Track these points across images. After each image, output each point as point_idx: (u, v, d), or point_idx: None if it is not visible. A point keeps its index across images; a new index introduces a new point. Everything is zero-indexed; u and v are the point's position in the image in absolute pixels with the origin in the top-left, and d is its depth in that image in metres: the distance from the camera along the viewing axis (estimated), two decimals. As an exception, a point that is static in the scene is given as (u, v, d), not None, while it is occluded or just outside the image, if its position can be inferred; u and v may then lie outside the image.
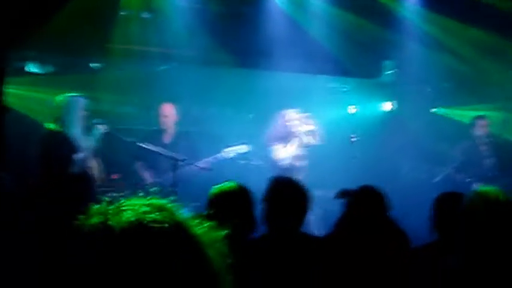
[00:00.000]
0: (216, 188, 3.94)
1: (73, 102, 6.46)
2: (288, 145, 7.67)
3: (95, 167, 6.60)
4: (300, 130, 7.66)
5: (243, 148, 7.54)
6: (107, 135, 6.61)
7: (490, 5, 8.16)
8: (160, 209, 1.20)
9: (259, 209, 3.94)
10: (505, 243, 3.12)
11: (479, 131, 8.28)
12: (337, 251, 4.15)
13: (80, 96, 6.57)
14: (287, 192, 3.95)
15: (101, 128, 6.53)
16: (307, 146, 7.70)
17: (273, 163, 7.67)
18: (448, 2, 8.15)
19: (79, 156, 6.33)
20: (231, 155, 7.49)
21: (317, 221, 7.39)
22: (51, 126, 6.40)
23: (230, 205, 3.79)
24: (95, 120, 6.56)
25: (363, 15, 8.14)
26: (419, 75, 9.18)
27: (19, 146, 7.08)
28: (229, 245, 1.25)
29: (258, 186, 4.09)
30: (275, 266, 3.72)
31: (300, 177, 7.62)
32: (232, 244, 1.29)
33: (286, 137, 7.70)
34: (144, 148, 7.14)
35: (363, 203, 4.42)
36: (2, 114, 5.34)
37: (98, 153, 6.61)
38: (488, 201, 3.20)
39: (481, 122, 8.32)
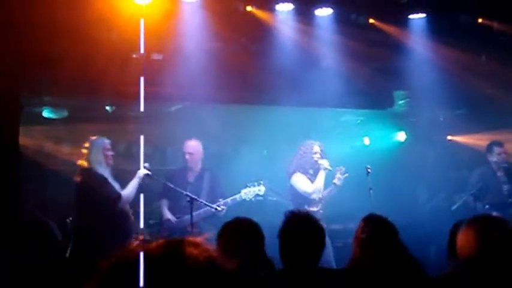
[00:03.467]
0: (226, 223, 3.94)
1: (98, 143, 6.97)
2: (317, 177, 7.76)
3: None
4: (322, 163, 7.71)
5: (261, 189, 7.54)
6: (147, 176, 7.03)
7: (501, 32, 8.19)
8: (195, 245, 1.30)
9: (276, 244, 3.91)
10: None
11: (496, 157, 8.24)
12: (354, 285, 4.13)
13: (104, 138, 7.06)
14: (303, 227, 3.91)
15: (145, 172, 6.97)
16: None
17: (297, 195, 7.67)
18: (456, 30, 8.18)
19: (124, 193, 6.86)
20: (250, 196, 7.48)
21: (336, 254, 7.36)
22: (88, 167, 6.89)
23: (238, 239, 3.78)
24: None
25: (374, 46, 8.17)
26: (431, 103, 9.18)
27: (36, 190, 7.19)
28: (240, 280, 1.31)
29: (275, 221, 4.06)
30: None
31: (319, 209, 7.65)
32: (243, 279, 1.34)
33: (310, 168, 7.73)
34: (170, 187, 7.26)
35: (371, 233, 4.41)
36: (18, 159, 5.39)
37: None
38: (503, 230, 3.16)
39: (498, 149, 8.28)
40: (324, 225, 4.12)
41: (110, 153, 7.07)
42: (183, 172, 7.72)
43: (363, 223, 4.51)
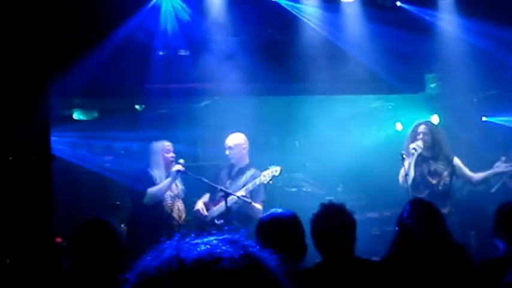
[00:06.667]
0: (265, 216, 3.87)
1: (156, 147, 7.27)
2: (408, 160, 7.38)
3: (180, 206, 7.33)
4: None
5: (277, 170, 7.27)
6: (182, 174, 7.19)
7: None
8: (231, 242, 1.24)
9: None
10: None
11: None
12: (395, 274, 4.04)
13: (163, 140, 7.35)
14: (333, 218, 3.87)
15: (178, 167, 7.08)
16: None
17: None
18: (487, 7, 8.01)
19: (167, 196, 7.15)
20: (268, 179, 7.30)
21: (376, 242, 7.23)
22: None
23: (280, 233, 3.70)
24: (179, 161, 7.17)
25: (401, 29, 8.04)
26: (463, 85, 9.01)
27: (67, 191, 7.27)
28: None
29: (311, 213, 4.01)
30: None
31: None
32: (286, 274, 1.28)
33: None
34: (209, 184, 7.27)
35: (416, 219, 4.30)
36: (50, 163, 5.40)
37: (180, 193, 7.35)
38: None
39: None
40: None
41: (171, 155, 7.25)
42: (229, 168, 7.59)
43: (410, 207, 4.39)
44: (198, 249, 1.21)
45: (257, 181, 7.20)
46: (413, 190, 7.22)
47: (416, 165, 7.33)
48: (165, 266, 1.19)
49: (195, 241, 1.25)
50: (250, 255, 1.22)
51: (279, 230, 3.67)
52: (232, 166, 7.49)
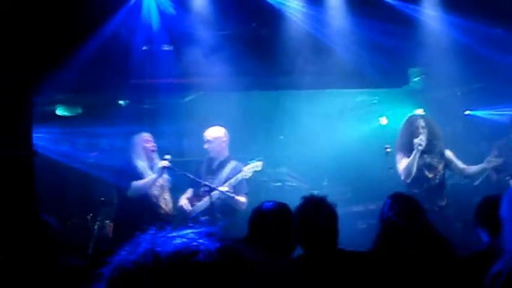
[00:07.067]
0: (255, 209, 3.87)
1: (135, 138, 7.26)
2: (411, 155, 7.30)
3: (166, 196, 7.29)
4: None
5: (258, 165, 7.30)
6: (166, 169, 7.16)
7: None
8: (208, 235, 1.24)
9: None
10: None
11: None
12: (380, 267, 4.06)
13: (143, 131, 7.37)
14: (314, 211, 3.89)
15: (164, 164, 7.09)
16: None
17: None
18: (470, 2, 8.05)
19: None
20: (249, 174, 7.32)
21: (361, 235, 7.24)
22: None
23: (271, 225, 3.70)
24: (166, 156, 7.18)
25: (385, 23, 8.06)
26: (447, 79, 9.05)
27: (51, 188, 7.22)
28: (269, 265, 1.26)
29: (294, 207, 4.02)
30: (319, 285, 3.62)
31: None
32: (272, 264, 1.28)
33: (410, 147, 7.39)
34: (194, 179, 7.25)
35: (396, 212, 4.33)
36: (32, 159, 5.36)
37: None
38: None
39: None
40: None
41: (151, 144, 7.23)
42: (209, 162, 7.56)
43: (390, 201, 4.42)
44: (174, 242, 1.21)
45: (239, 176, 7.21)
46: (411, 185, 7.25)
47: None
48: (140, 260, 1.19)
49: (171, 234, 1.25)
50: (226, 247, 1.21)
51: (271, 222, 3.68)
52: (211, 160, 7.47)
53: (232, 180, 7.20)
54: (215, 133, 7.44)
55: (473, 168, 7.54)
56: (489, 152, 8.20)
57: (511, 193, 3.13)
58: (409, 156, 7.28)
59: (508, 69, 8.83)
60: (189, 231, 1.25)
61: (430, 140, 7.34)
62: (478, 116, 9.88)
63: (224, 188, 7.11)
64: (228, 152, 7.50)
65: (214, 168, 7.44)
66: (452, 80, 9.08)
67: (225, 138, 7.48)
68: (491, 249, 3.74)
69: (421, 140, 7.25)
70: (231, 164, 7.41)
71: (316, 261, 3.75)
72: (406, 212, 4.33)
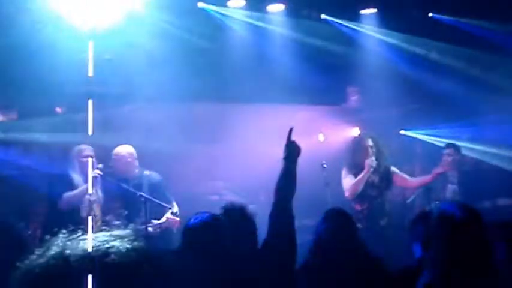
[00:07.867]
0: (188, 222, 3.86)
1: (73, 151, 7.14)
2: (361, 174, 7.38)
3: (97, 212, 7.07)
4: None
5: (95, 172, 6.98)
6: (100, 178, 7.01)
7: (453, 26, 8.30)
8: (119, 237, 1.24)
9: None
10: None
11: (447, 158, 8.18)
12: (309, 282, 4.10)
13: (81, 145, 7.15)
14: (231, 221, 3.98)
15: (95, 173, 6.93)
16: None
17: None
18: (407, 25, 8.26)
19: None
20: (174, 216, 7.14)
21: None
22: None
23: (204, 238, 3.70)
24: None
25: (326, 41, 8.19)
26: (383, 98, 9.23)
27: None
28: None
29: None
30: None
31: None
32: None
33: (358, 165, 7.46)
34: (128, 190, 7.06)
35: (327, 228, 4.41)
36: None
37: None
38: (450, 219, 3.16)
39: (448, 151, 8.24)
40: None
41: (85, 159, 7.02)
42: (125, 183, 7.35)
43: (323, 217, 4.51)
44: (84, 245, 1.21)
45: (163, 219, 7.10)
46: (354, 202, 7.35)
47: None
48: (50, 263, 1.19)
49: (82, 237, 1.24)
50: (137, 249, 1.22)
51: (202, 234, 3.68)
52: (126, 181, 7.28)
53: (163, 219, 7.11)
54: (121, 151, 7.35)
55: (414, 181, 7.74)
56: (422, 171, 8.38)
57: (440, 210, 3.23)
58: (355, 175, 7.38)
59: (441, 93, 9.10)
60: (100, 234, 1.26)
61: (377, 159, 7.47)
62: (412, 137, 10.10)
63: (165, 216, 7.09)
64: (136, 171, 7.36)
65: (132, 187, 7.24)
66: (388, 100, 9.26)
67: (130, 159, 7.33)
68: (423, 263, 3.83)
69: (372, 162, 7.37)
70: (146, 174, 7.34)
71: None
72: (335, 229, 4.42)
